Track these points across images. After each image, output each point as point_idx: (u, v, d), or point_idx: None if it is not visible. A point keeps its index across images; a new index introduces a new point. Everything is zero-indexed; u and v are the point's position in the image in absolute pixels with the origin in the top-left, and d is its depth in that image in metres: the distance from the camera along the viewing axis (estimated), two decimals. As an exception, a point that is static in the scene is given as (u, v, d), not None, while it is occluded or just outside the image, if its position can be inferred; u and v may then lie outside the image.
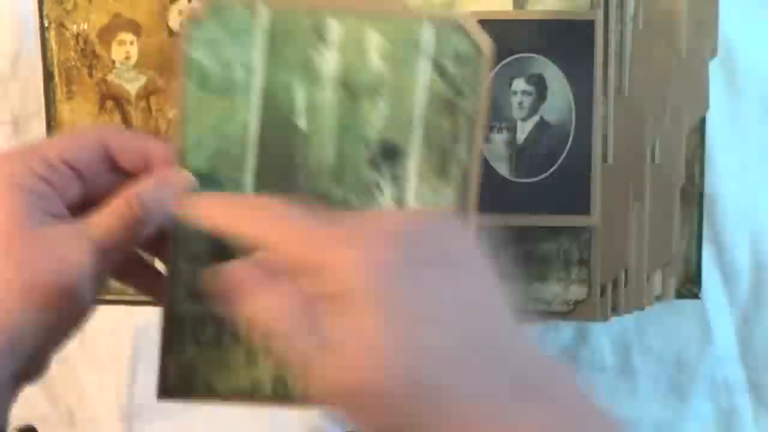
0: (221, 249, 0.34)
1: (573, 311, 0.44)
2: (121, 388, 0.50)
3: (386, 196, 0.36)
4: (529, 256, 0.44)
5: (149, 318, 0.49)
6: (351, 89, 0.35)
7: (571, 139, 0.42)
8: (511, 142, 0.43)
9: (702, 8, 0.44)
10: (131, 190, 0.33)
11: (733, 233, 0.48)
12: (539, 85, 0.42)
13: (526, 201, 0.43)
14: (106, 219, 0.33)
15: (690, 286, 0.47)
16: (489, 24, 0.42)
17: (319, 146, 0.36)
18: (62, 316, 0.32)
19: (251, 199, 0.33)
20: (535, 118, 0.42)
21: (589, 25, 0.41)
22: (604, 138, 0.43)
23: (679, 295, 0.47)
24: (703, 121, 0.46)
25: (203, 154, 0.35)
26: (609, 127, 0.43)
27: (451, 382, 0.26)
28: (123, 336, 0.49)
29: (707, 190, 0.47)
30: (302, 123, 0.35)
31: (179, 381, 0.37)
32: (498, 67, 0.42)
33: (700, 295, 0.47)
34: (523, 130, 0.43)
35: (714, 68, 0.46)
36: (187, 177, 0.35)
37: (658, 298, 0.47)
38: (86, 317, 0.33)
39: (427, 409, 0.26)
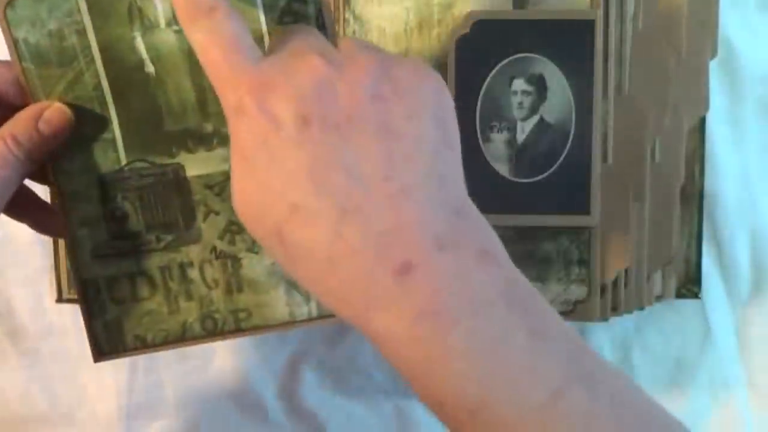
0: (113, 209, 0.36)
1: (573, 311, 0.44)
2: (121, 388, 0.50)
3: None
4: (529, 256, 0.44)
5: (149, 318, 0.49)
6: None
7: (571, 139, 0.42)
8: (511, 142, 0.43)
9: (702, 8, 0.44)
10: (5, 129, 0.34)
11: (733, 233, 0.48)
12: (539, 85, 0.42)
13: (526, 201, 0.43)
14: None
15: (690, 286, 0.47)
16: (489, 24, 0.42)
17: (175, 87, 0.36)
18: None
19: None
20: (535, 118, 0.42)
21: (589, 25, 0.41)
22: (604, 138, 0.43)
23: (679, 295, 0.47)
24: (703, 121, 0.46)
25: None
26: (609, 127, 0.43)
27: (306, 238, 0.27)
28: (123, 336, 0.49)
29: (707, 190, 0.47)
30: (150, 69, 0.36)
31: (109, 341, 0.38)
32: (498, 67, 0.42)
33: (700, 295, 0.47)
34: (523, 130, 0.43)
35: (714, 68, 0.46)
36: (62, 109, 0.35)
37: (658, 298, 0.47)
38: None
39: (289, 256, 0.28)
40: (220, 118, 0.36)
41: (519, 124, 0.43)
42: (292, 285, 0.38)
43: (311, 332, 0.49)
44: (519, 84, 0.42)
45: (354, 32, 0.43)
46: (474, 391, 0.26)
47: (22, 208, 0.38)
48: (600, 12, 0.42)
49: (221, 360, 0.49)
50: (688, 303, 0.48)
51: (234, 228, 0.38)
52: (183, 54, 0.36)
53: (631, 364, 0.49)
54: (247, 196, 0.29)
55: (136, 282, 0.38)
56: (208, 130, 0.37)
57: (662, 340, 0.49)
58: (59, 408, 0.50)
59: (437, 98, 0.30)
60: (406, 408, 0.49)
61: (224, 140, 0.37)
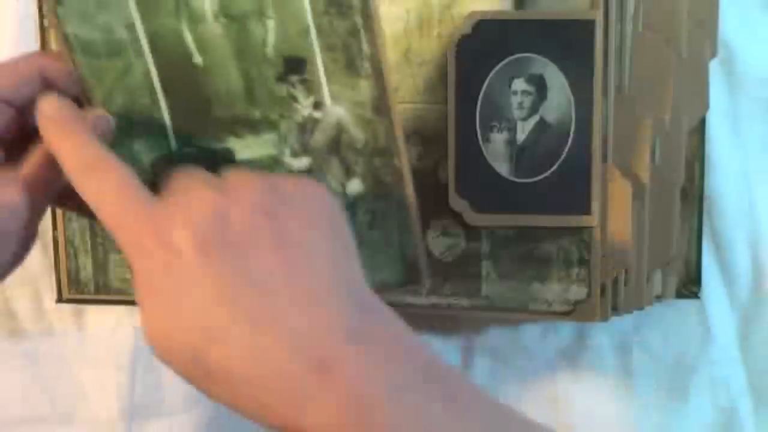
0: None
1: (573, 311, 0.44)
2: (121, 387, 0.50)
3: (304, 105, 0.37)
4: (529, 256, 0.44)
5: (149, 318, 0.49)
6: (234, 17, 0.36)
7: (571, 139, 0.42)
8: (511, 142, 0.43)
9: (702, 8, 0.44)
10: None
11: (732, 233, 0.48)
12: (539, 85, 0.42)
13: (526, 201, 0.43)
14: (35, 159, 0.34)
15: (690, 286, 0.47)
16: (489, 24, 0.42)
17: (222, 76, 0.37)
18: (2, 252, 0.35)
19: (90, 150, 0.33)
20: (535, 118, 0.42)
21: (589, 25, 0.41)
22: (604, 138, 0.43)
23: (679, 295, 0.47)
24: (703, 121, 0.46)
25: (116, 108, 0.37)
26: (609, 127, 0.43)
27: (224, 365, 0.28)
28: (123, 336, 0.49)
29: (707, 190, 0.47)
30: (198, 60, 0.37)
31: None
32: (498, 67, 0.42)
33: (700, 295, 0.47)
34: (523, 130, 0.43)
35: (714, 68, 0.46)
36: (102, 113, 0.36)
37: (658, 298, 0.47)
38: (28, 250, 0.36)
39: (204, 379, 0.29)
40: (267, 105, 0.37)
41: (519, 124, 0.43)
42: None
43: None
44: (519, 84, 0.42)
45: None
46: None
47: (71, 198, 0.39)
48: (600, 12, 0.42)
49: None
50: (688, 303, 0.48)
51: None
52: (230, 45, 0.37)
53: (631, 364, 0.49)
54: (160, 330, 0.29)
55: None
56: (256, 116, 0.38)
57: (662, 340, 0.49)
58: (59, 408, 0.50)
59: (324, 204, 0.32)
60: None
61: (271, 126, 0.38)
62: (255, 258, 0.29)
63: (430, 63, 0.43)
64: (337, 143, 0.38)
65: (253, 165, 0.38)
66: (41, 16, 0.46)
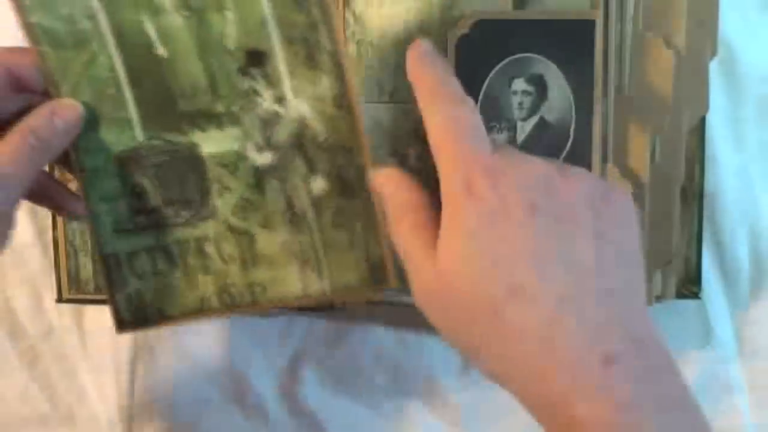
0: (133, 185, 0.38)
1: (573, 311, 0.44)
2: (121, 388, 0.50)
3: (265, 98, 0.38)
4: (529, 256, 0.44)
5: (149, 318, 0.49)
6: (193, 9, 0.37)
7: (571, 139, 0.42)
8: (511, 142, 0.43)
9: (702, 8, 0.44)
10: (25, 123, 0.35)
11: (732, 233, 0.48)
12: (539, 85, 0.42)
13: (526, 201, 0.43)
14: (4, 153, 0.35)
15: (690, 286, 0.47)
16: (489, 24, 0.42)
17: (185, 68, 0.37)
18: None
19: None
20: (535, 118, 0.42)
21: (589, 25, 0.41)
22: (604, 138, 0.43)
23: (679, 295, 0.47)
24: (703, 121, 0.46)
25: (81, 101, 0.37)
26: (609, 127, 0.43)
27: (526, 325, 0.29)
28: (123, 336, 0.49)
29: (707, 190, 0.47)
30: (161, 51, 0.37)
31: (131, 314, 0.39)
32: (498, 67, 0.42)
33: (700, 295, 0.47)
34: (523, 130, 0.43)
35: (714, 68, 0.46)
36: (71, 103, 0.37)
37: (658, 298, 0.47)
38: (3, 245, 0.36)
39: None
40: (230, 99, 0.38)
41: (519, 124, 0.43)
42: (305, 263, 0.39)
43: (312, 332, 0.49)
44: (519, 84, 0.42)
45: (354, 33, 0.43)
46: None
47: (42, 192, 0.40)
48: (600, 12, 0.42)
49: (221, 360, 0.49)
50: (688, 303, 0.48)
51: (247, 205, 0.39)
52: (191, 37, 0.37)
53: (631, 364, 0.49)
54: (465, 274, 0.30)
55: (155, 256, 0.39)
56: (219, 110, 0.38)
57: (662, 340, 0.49)
58: (59, 408, 0.50)
59: (636, 220, 0.33)
60: (406, 408, 0.49)
61: (234, 120, 0.38)
62: (574, 238, 0.30)
63: (430, 63, 0.43)
64: (300, 139, 0.38)
65: (216, 159, 0.38)
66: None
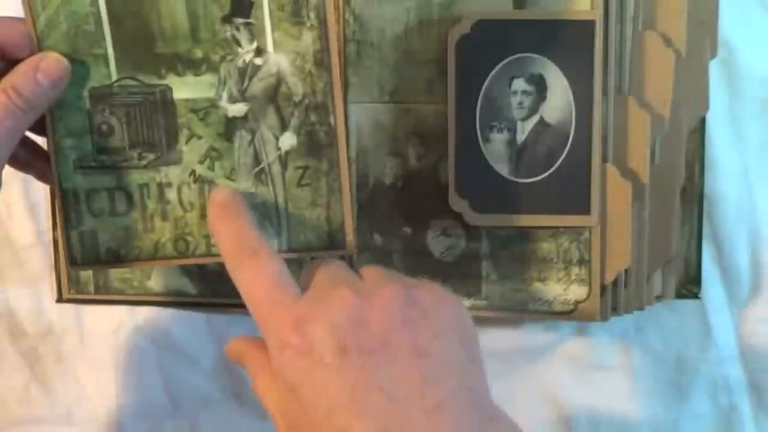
0: (100, 123, 0.38)
1: (573, 311, 0.44)
2: (120, 387, 0.50)
3: (246, 49, 0.38)
4: (529, 256, 0.44)
5: (149, 318, 0.49)
6: None
7: (571, 139, 0.42)
8: (511, 142, 0.43)
9: (702, 8, 0.44)
10: (7, 81, 0.35)
11: (732, 233, 0.48)
12: (539, 85, 0.42)
13: (526, 201, 0.43)
14: None
15: (690, 286, 0.47)
16: (489, 24, 0.42)
17: (169, 11, 0.37)
18: None
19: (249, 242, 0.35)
20: (535, 118, 0.42)
21: (589, 25, 0.41)
22: (604, 138, 0.43)
23: (679, 295, 0.47)
24: (703, 121, 0.46)
25: (58, 35, 0.37)
26: (609, 127, 0.43)
27: None
28: (123, 336, 0.49)
29: (707, 190, 0.47)
30: None
31: (84, 252, 0.39)
32: (498, 67, 0.42)
33: (700, 295, 0.47)
34: (523, 130, 0.43)
35: (714, 68, 0.46)
36: (56, 58, 0.36)
37: (658, 298, 0.47)
38: None
39: None
40: (210, 45, 0.38)
41: (519, 124, 0.43)
42: (265, 217, 0.39)
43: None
44: (519, 84, 0.42)
45: (354, 32, 0.43)
46: None
47: (27, 159, 0.40)
48: (600, 12, 0.42)
49: (221, 358, 0.49)
50: (688, 303, 0.48)
51: (214, 154, 0.39)
52: None
53: (631, 364, 0.49)
54: (293, 421, 0.31)
55: (114, 197, 0.39)
56: (198, 56, 0.38)
57: (662, 340, 0.49)
58: (59, 408, 0.50)
59: (458, 318, 0.32)
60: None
61: (212, 68, 0.38)
62: (389, 366, 0.30)
63: (430, 63, 0.43)
64: (275, 92, 0.38)
65: (189, 105, 0.38)
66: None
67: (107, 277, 0.47)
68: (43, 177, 0.41)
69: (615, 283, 0.45)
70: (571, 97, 0.42)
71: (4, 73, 0.36)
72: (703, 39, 0.44)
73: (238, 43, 0.38)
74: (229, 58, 0.38)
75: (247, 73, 0.38)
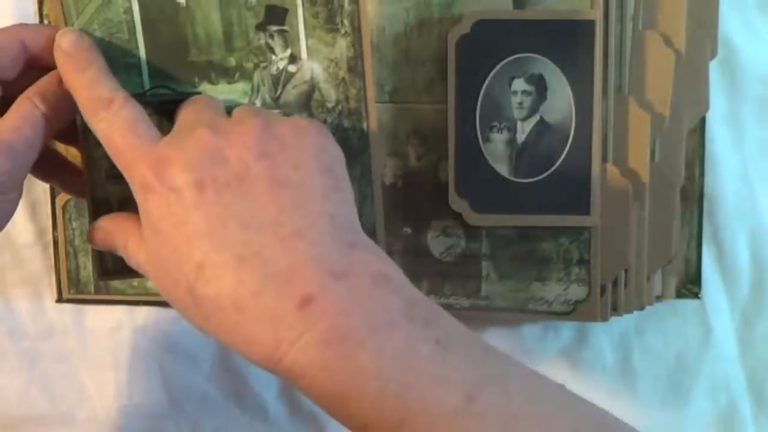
0: None
1: (573, 311, 0.44)
2: (121, 388, 0.50)
3: (279, 56, 0.38)
4: (529, 256, 0.44)
5: (149, 318, 0.49)
6: None
7: (571, 139, 0.42)
8: (511, 142, 0.43)
9: (702, 8, 0.44)
10: (32, 90, 0.35)
11: (733, 233, 0.48)
12: (539, 85, 0.42)
13: (526, 201, 0.43)
14: (12, 120, 0.35)
15: (690, 286, 0.47)
16: (489, 24, 0.42)
17: (203, 19, 0.37)
18: None
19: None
20: (535, 118, 0.42)
21: (589, 25, 0.41)
22: (604, 138, 0.43)
23: (679, 295, 0.47)
24: (703, 121, 0.46)
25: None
26: (609, 127, 0.43)
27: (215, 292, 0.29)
28: (123, 336, 0.49)
29: (707, 190, 0.47)
30: (182, 0, 0.37)
31: (115, 261, 0.39)
32: (498, 67, 0.42)
33: (700, 295, 0.47)
34: (523, 130, 0.43)
35: (714, 68, 0.46)
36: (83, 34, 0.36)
37: (658, 298, 0.47)
38: (9, 216, 0.36)
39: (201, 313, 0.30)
40: (244, 53, 0.38)
41: (519, 124, 0.43)
42: None
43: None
44: (519, 84, 0.42)
45: (354, 32, 0.43)
46: (391, 407, 0.27)
47: (50, 168, 0.40)
48: (600, 12, 0.42)
49: (221, 359, 0.49)
50: (688, 303, 0.48)
51: None
52: None
53: (631, 364, 0.49)
54: (160, 264, 0.31)
55: None
56: (231, 63, 0.38)
57: (662, 340, 0.49)
58: (59, 408, 0.50)
59: (320, 148, 0.32)
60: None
61: (246, 75, 0.38)
62: (246, 198, 0.30)
63: (430, 63, 0.43)
64: (308, 99, 0.38)
65: None
66: (41, 16, 0.46)
67: (107, 277, 0.47)
68: (66, 187, 0.41)
69: (615, 283, 0.44)
70: (571, 97, 0.42)
71: (34, 82, 0.36)
72: (703, 39, 0.44)
73: (272, 51, 0.38)
74: (263, 65, 0.38)
75: (280, 80, 0.38)
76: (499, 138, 0.43)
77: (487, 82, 0.42)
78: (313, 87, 0.38)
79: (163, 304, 0.48)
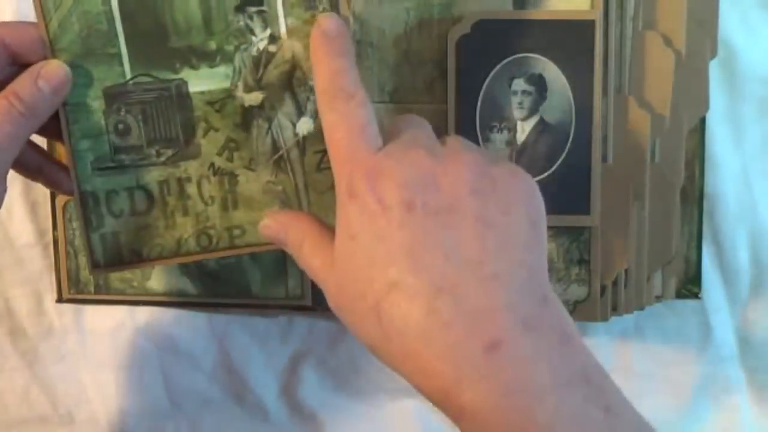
0: (117, 122, 0.38)
1: (573, 311, 0.44)
2: (121, 388, 0.50)
3: (259, 37, 0.38)
4: (529, 256, 0.44)
5: (150, 318, 0.49)
6: None
7: (571, 139, 0.42)
8: (511, 142, 0.43)
9: (702, 8, 0.44)
10: (9, 89, 0.35)
11: (732, 233, 0.48)
12: (539, 85, 0.42)
13: (526, 201, 0.43)
14: None
15: (690, 286, 0.47)
16: (489, 24, 0.42)
17: (182, 4, 0.37)
18: None
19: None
20: (535, 118, 0.42)
21: (589, 25, 0.41)
22: (604, 138, 0.43)
23: (679, 295, 0.47)
24: (703, 121, 0.46)
25: (71, 35, 0.37)
26: (609, 127, 0.43)
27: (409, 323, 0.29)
28: (123, 336, 0.49)
29: (707, 190, 0.47)
30: None
31: (106, 254, 0.39)
32: (498, 67, 0.42)
33: (700, 295, 0.47)
34: (523, 130, 0.43)
35: (714, 68, 0.46)
36: (57, 64, 0.36)
37: (658, 298, 0.47)
38: None
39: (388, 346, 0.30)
40: (224, 36, 0.38)
41: (519, 124, 0.43)
42: (286, 204, 0.39)
43: (312, 332, 0.49)
44: (519, 84, 0.42)
45: (354, 32, 0.43)
46: None
47: (34, 166, 0.40)
48: (600, 12, 0.42)
49: (222, 359, 0.49)
50: (688, 303, 0.48)
51: (232, 145, 0.39)
52: None
53: (632, 364, 0.49)
54: (348, 274, 0.31)
55: (134, 196, 0.39)
56: (212, 47, 0.38)
57: (662, 340, 0.49)
58: (59, 408, 0.50)
59: (530, 199, 0.32)
60: (406, 408, 0.49)
61: (227, 58, 0.38)
62: (452, 229, 0.30)
63: (430, 63, 0.43)
64: (290, 78, 0.38)
65: (205, 98, 0.38)
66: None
67: (107, 277, 0.47)
68: (52, 184, 0.41)
69: (615, 283, 0.45)
70: (571, 97, 0.42)
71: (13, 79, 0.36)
72: (703, 39, 0.44)
73: (252, 32, 0.38)
74: (243, 47, 0.38)
75: (261, 61, 0.38)
76: (499, 138, 0.43)
77: (487, 82, 0.42)
78: (294, 66, 0.38)
79: (164, 304, 0.48)
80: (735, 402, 0.49)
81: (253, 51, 0.38)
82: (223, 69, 0.38)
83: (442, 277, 0.29)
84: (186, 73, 0.38)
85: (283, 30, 0.38)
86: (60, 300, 0.48)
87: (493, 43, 0.42)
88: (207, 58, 0.38)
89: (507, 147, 0.43)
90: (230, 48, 0.38)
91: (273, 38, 0.38)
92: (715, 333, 0.49)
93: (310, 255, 0.33)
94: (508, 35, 0.42)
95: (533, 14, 0.42)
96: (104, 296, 0.47)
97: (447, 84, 0.42)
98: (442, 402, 0.29)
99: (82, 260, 0.47)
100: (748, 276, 0.49)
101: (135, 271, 0.47)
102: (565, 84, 0.42)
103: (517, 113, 0.42)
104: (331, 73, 0.34)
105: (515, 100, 0.42)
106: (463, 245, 0.30)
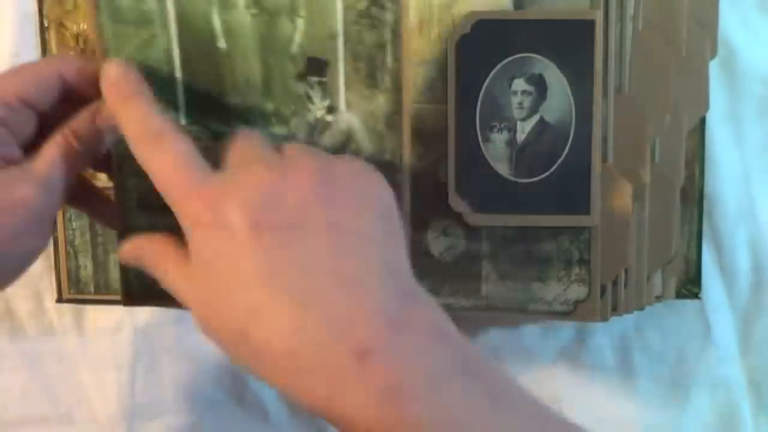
0: None
1: (573, 311, 0.44)
2: (121, 388, 0.50)
3: (317, 106, 0.38)
4: (529, 256, 0.44)
5: (149, 318, 0.49)
6: (267, 10, 0.37)
7: (571, 139, 0.42)
8: (511, 142, 0.43)
9: (702, 8, 0.44)
10: (67, 126, 0.35)
11: (732, 233, 0.48)
12: (539, 85, 0.42)
13: (526, 201, 0.43)
14: (48, 156, 0.35)
15: (690, 286, 0.47)
16: (489, 24, 0.42)
17: (243, 64, 0.37)
18: (17, 250, 0.34)
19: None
20: (535, 118, 0.42)
21: (589, 25, 0.41)
22: (604, 138, 0.43)
23: (679, 295, 0.47)
24: (703, 121, 0.46)
25: None
26: (609, 127, 0.43)
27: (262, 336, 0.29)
28: (123, 336, 0.49)
29: (707, 190, 0.47)
30: (222, 44, 0.37)
31: (140, 288, 0.40)
32: (498, 67, 0.42)
33: (700, 295, 0.47)
34: (523, 130, 0.43)
35: (714, 68, 0.46)
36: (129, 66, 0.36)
37: (658, 298, 0.47)
38: (44, 246, 0.36)
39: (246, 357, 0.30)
40: (282, 100, 0.38)
41: (519, 124, 0.43)
42: None
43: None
44: (519, 84, 0.42)
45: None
46: None
47: (83, 198, 0.40)
48: (600, 12, 0.42)
49: (222, 359, 0.49)
50: (688, 303, 0.48)
51: None
52: (257, 35, 0.37)
53: (631, 364, 0.49)
54: (208, 303, 0.30)
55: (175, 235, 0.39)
56: (269, 108, 0.38)
57: (662, 340, 0.49)
58: (59, 408, 0.50)
59: (379, 195, 0.32)
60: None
61: (282, 121, 0.38)
62: (303, 241, 0.29)
63: (429, 63, 0.43)
64: (343, 149, 0.38)
65: None
66: (41, 16, 0.46)
67: (107, 277, 0.47)
68: (98, 217, 0.41)
69: (615, 283, 0.44)
70: (571, 97, 0.42)
71: (70, 111, 0.36)
72: (703, 39, 0.44)
73: (311, 100, 0.38)
74: (300, 113, 0.38)
75: (317, 128, 0.38)
76: (499, 138, 0.43)
77: (487, 82, 0.42)
78: (349, 138, 0.38)
79: (163, 304, 0.48)
80: (735, 402, 0.49)
81: (310, 118, 0.38)
82: (277, 130, 0.38)
83: (302, 293, 0.29)
84: (240, 128, 0.38)
85: (342, 102, 0.38)
86: (60, 300, 0.48)
87: (493, 43, 0.42)
88: (262, 118, 0.38)
89: (507, 147, 0.43)
90: (287, 112, 0.38)
91: (331, 109, 0.38)
92: (715, 333, 0.49)
93: (175, 278, 0.33)
94: (508, 35, 0.42)
95: (533, 14, 0.42)
96: (104, 296, 0.47)
97: (447, 84, 0.42)
98: (324, 415, 0.28)
99: (82, 260, 0.47)
100: (748, 276, 0.49)
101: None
102: (565, 84, 0.42)
103: (517, 113, 0.42)
104: (130, 118, 0.33)
105: (515, 100, 0.42)
106: (318, 257, 0.29)
